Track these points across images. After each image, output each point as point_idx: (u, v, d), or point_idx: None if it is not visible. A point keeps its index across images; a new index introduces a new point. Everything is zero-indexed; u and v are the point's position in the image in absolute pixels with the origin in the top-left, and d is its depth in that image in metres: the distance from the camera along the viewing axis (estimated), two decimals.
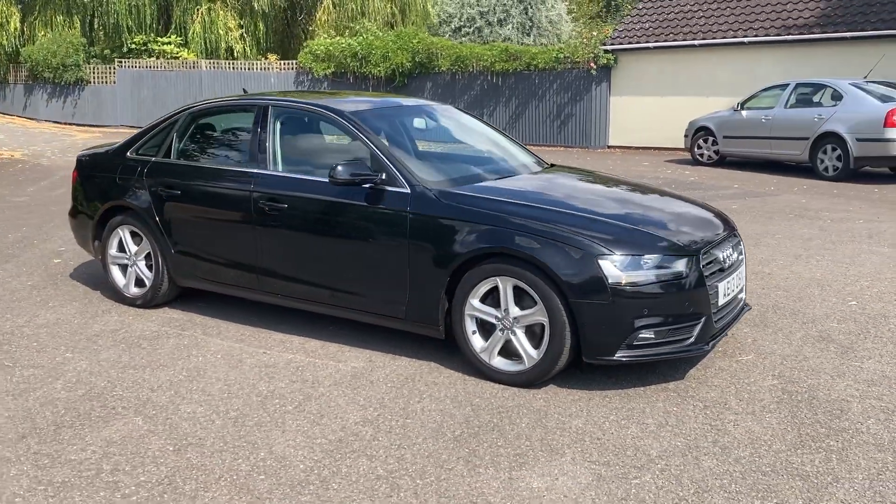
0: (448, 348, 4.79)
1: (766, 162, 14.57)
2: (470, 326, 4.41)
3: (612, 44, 19.30)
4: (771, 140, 13.80)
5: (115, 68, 25.35)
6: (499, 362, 4.36)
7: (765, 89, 14.39)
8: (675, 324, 4.12)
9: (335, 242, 4.82)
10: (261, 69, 24.67)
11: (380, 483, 3.31)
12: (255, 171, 5.16)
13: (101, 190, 5.95)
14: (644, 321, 4.06)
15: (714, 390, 4.24)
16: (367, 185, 4.67)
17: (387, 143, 4.89)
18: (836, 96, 12.92)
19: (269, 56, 26.19)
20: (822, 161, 12.86)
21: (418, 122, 5.53)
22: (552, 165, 5.75)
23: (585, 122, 19.98)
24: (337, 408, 4.07)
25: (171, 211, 5.51)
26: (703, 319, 4.20)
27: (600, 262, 4.04)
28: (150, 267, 5.76)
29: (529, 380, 4.26)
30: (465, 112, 6.22)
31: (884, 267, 6.88)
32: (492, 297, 4.36)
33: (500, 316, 4.31)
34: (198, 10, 25.80)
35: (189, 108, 5.77)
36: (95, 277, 6.69)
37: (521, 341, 4.26)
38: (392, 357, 4.77)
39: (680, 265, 4.13)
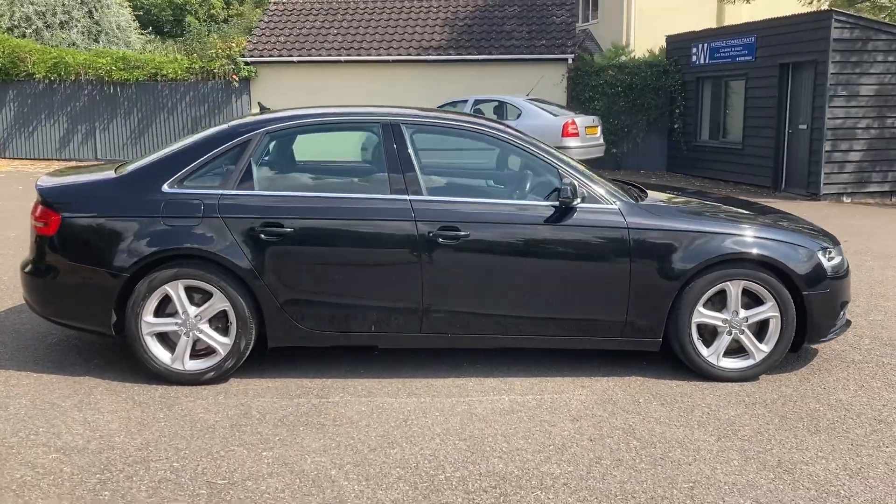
0: (614, 358, 4.88)
1: None
2: (695, 333, 4.61)
3: (252, 56, 18.92)
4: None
5: None
6: (726, 362, 4.66)
7: (444, 105, 15.83)
8: (846, 305, 4.94)
9: (537, 268, 4.53)
10: None
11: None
12: (416, 198, 4.48)
13: (129, 237, 4.40)
14: (843, 305, 4.80)
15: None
16: (573, 204, 4.50)
17: (568, 160, 4.74)
18: (514, 111, 14.94)
19: None
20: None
21: None
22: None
23: None
24: (673, 436, 3.94)
25: (279, 255, 4.42)
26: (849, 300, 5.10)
27: (819, 255, 4.65)
28: (220, 329, 4.50)
29: (757, 374, 4.67)
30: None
31: None
32: (710, 303, 4.63)
33: (727, 318, 4.61)
34: None
35: (264, 127, 4.63)
36: (43, 354, 4.87)
37: (751, 339, 4.64)
38: (591, 379, 4.67)
39: (840, 254, 4.95)
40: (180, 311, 4.45)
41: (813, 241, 4.73)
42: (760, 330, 4.67)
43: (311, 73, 18.95)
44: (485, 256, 4.50)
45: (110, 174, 4.72)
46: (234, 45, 19.03)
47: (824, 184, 13.12)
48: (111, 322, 4.48)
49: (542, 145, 4.78)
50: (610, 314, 4.57)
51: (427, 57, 18.49)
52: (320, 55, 18.86)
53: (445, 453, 3.71)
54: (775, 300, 4.58)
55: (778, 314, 4.60)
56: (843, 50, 12.79)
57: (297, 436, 3.89)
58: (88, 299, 4.49)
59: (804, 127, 13.60)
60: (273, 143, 4.65)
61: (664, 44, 18.26)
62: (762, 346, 4.64)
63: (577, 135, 14.39)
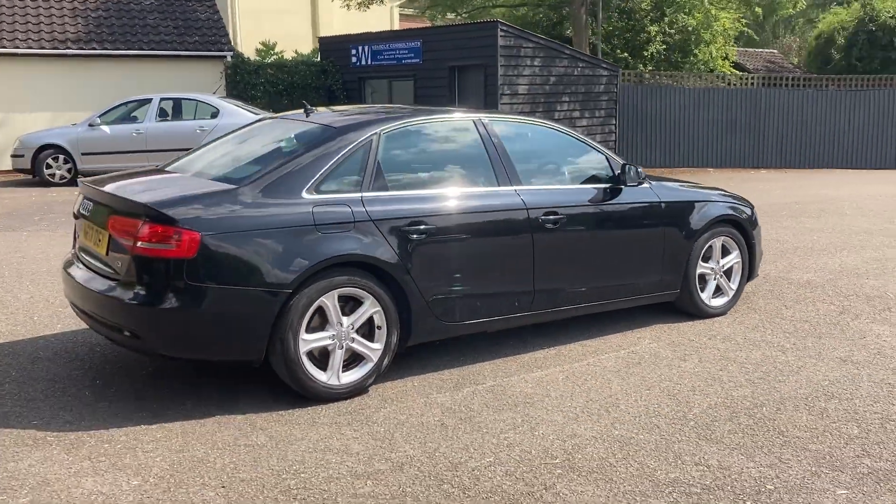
0: (616, 313, 5.90)
1: None
2: (697, 282, 5.81)
3: None
4: (148, 153, 14.20)
5: None
6: (714, 301, 5.95)
7: (122, 104, 14.49)
8: None
9: (610, 241, 5.26)
10: None
11: None
12: (520, 188, 4.86)
13: (284, 250, 4.01)
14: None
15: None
16: (639, 186, 5.37)
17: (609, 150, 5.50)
18: (209, 110, 14.42)
19: None
20: None
21: None
22: None
23: None
24: (757, 357, 5.04)
25: (424, 252, 4.44)
26: None
27: (752, 211, 6.19)
28: (367, 336, 4.37)
29: (728, 309, 6.03)
30: None
31: None
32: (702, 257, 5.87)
33: (714, 267, 5.91)
34: None
35: (379, 126, 4.53)
36: (106, 400, 4.11)
37: (727, 281, 5.99)
38: (634, 332, 5.55)
39: None
40: (335, 323, 4.21)
41: (747, 201, 6.26)
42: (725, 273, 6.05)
43: None
44: (573, 234, 5.08)
45: (222, 184, 4.17)
46: None
47: None
48: (265, 346, 4.03)
49: (587, 137, 5.51)
50: (651, 274, 5.52)
51: (66, 51, 16.55)
52: None
53: (660, 401, 4.31)
54: (739, 249, 6.00)
55: (740, 260, 6.03)
56: (506, 55, 15.13)
57: (531, 414, 4.11)
58: (239, 325, 3.97)
59: None
60: (389, 143, 4.57)
61: (268, 41, 19.06)
62: (732, 286, 6.04)
63: None
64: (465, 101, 15.82)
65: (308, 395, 4.18)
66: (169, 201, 3.96)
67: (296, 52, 19.80)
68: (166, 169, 4.81)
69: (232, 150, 4.76)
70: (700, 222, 5.70)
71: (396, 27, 30.47)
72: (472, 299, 4.70)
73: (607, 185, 5.31)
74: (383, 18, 29.69)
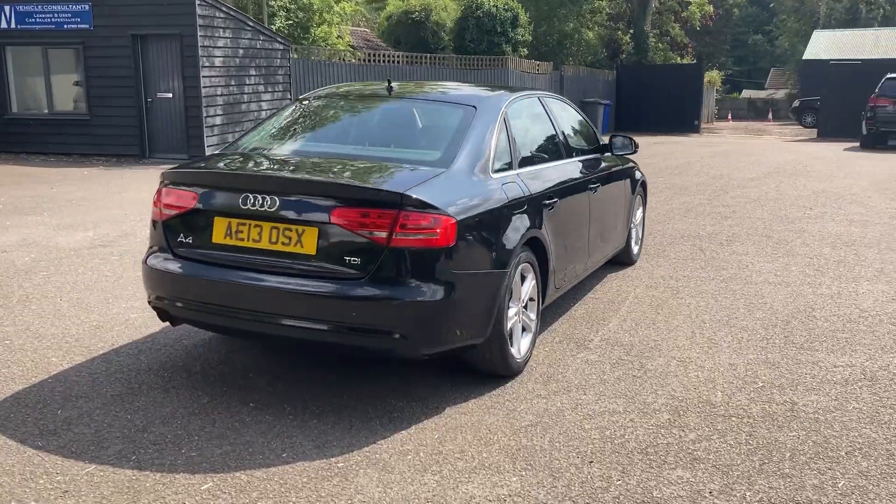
0: None
1: None
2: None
3: None
4: None
5: None
6: (635, 250, 7.02)
7: None
8: None
9: (610, 201, 5.96)
10: None
11: None
12: (575, 159, 5.34)
13: (501, 230, 4.02)
14: None
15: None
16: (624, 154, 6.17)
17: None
18: None
19: None
20: None
21: None
22: None
23: None
24: (712, 289, 6.29)
25: (554, 224, 4.68)
26: None
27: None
28: (527, 307, 4.52)
29: (639, 256, 7.20)
30: None
31: None
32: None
33: (636, 222, 6.98)
34: None
35: (503, 103, 4.58)
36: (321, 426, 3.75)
37: (637, 232, 7.12)
38: (605, 282, 6.42)
39: None
40: (516, 298, 4.28)
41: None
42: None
43: None
44: (600, 198, 5.66)
45: (416, 167, 3.93)
46: None
47: (207, 146, 14.54)
48: (491, 325, 3.99)
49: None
50: (620, 229, 6.37)
51: None
52: None
53: (731, 332, 5.23)
54: (643, 205, 7.18)
55: (643, 213, 7.22)
56: (204, 25, 14.25)
57: (674, 356, 4.69)
58: (480, 308, 3.86)
59: (169, 95, 14.56)
60: (509, 120, 4.63)
61: None
62: (640, 236, 7.20)
63: None
64: (154, 73, 14.52)
65: (505, 371, 4.22)
66: (420, 188, 3.65)
67: None
68: (263, 150, 4.29)
69: (355, 128, 4.41)
70: (635, 183, 6.71)
71: None
72: (567, 264, 5.05)
73: (602, 153, 5.98)
74: None
